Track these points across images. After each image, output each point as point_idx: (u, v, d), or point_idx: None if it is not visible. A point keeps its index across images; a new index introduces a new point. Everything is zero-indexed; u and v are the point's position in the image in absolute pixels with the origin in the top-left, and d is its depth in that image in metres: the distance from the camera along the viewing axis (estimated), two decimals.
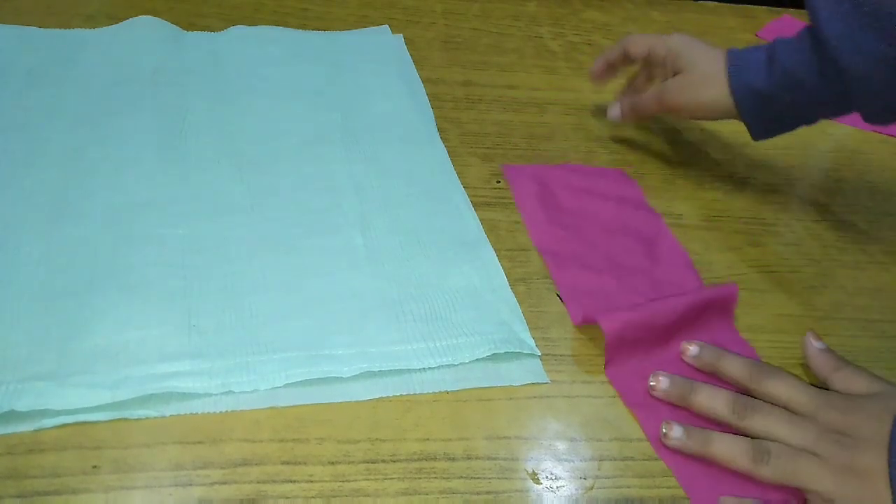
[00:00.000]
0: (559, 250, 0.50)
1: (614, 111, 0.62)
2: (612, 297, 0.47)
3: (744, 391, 0.42)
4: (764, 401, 0.40)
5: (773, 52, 0.52)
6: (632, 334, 0.43)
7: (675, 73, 0.56)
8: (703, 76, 0.55)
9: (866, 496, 0.36)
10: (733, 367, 0.42)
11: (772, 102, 0.52)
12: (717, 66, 0.54)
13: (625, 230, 0.53)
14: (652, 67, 0.60)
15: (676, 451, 0.39)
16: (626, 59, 0.60)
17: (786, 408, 0.40)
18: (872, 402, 0.39)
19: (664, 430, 0.39)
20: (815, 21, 0.48)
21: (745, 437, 0.39)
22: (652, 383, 0.42)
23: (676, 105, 0.56)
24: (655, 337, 0.44)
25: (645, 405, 0.41)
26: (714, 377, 0.43)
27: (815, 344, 0.44)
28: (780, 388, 0.40)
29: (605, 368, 0.43)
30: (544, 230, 0.52)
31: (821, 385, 0.42)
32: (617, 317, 0.43)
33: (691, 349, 0.44)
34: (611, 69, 0.62)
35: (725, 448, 0.38)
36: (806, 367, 0.45)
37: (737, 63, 0.53)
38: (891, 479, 0.36)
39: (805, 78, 0.50)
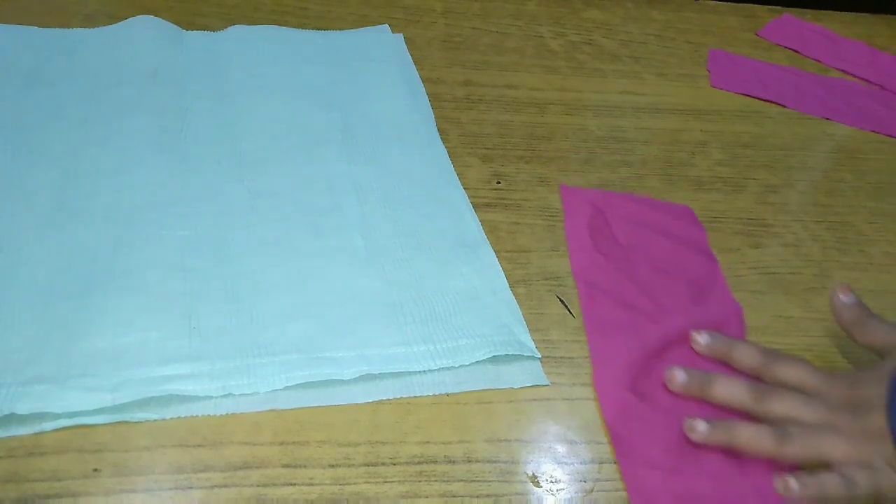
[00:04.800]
0: (597, 280, 0.48)
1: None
2: (640, 335, 0.45)
3: (755, 378, 0.43)
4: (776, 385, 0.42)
5: None
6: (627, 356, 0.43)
7: None
8: None
9: (881, 457, 0.38)
10: (746, 355, 0.44)
11: None
12: None
13: (676, 271, 0.50)
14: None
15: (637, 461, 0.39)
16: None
17: (796, 390, 0.41)
18: (873, 370, 0.41)
19: (688, 427, 0.39)
20: None
21: (764, 424, 0.40)
22: (668, 377, 0.42)
23: None
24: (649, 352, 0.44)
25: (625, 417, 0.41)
26: (724, 366, 0.44)
27: (843, 298, 0.45)
28: (791, 373, 0.42)
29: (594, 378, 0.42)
30: (587, 257, 0.49)
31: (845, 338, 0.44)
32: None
33: (702, 339, 0.44)
34: None
35: (749, 436, 0.39)
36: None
37: None
38: (893, 435, 0.37)
39: None
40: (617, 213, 0.54)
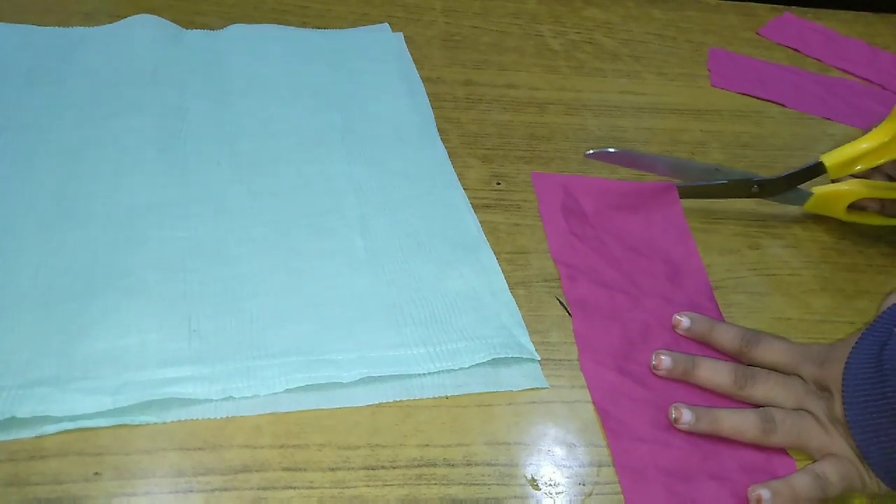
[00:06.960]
0: (575, 262, 0.49)
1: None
2: (620, 314, 0.46)
3: (734, 358, 0.45)
4: (755, 365, 0.43)
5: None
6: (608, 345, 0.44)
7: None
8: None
9: (847, 445, 0.39)
10: (726, 337, 0.45)
11: None
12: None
13: (651, 250, 0.51)
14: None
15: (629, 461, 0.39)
16: None
17: (773, 369, 0.43)
18: (840, 349, 0.41)
19: (674, 416, 0.40)
20: None
21: (749, 410, 0.41)
22: (654, 363, 0.43)
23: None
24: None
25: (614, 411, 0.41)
26: (705, 347, 0.46)
27: (684, 322, 0.46)
28: (768, 353, 0.44)
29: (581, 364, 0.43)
30: (564, 240, 0.51)
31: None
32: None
33: (684, 322, 0.46)
34: None
35: (734, 424, 0.40)
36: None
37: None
38: (849, 422, 0.38)
39: None
40: (589, 196, 0.55)
